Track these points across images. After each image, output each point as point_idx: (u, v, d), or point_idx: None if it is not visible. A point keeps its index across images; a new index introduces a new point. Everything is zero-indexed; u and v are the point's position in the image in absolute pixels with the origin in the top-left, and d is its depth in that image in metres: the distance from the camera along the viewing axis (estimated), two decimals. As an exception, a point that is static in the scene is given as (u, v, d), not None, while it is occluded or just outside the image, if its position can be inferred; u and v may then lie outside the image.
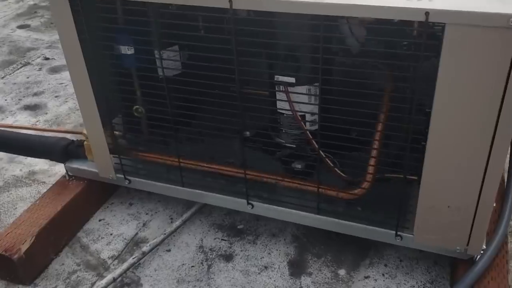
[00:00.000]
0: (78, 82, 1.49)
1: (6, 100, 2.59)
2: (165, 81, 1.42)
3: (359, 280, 1.46)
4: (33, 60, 3.03)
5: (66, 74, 2.81)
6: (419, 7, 0.99)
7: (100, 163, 1.64)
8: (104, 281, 1.45)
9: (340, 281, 1.46)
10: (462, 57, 1.01)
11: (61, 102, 2.54)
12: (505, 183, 1.53)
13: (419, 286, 1.43)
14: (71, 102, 2.52)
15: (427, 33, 1.02)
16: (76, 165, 1.71)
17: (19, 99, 2.58)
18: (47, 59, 3.03)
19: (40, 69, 2.90)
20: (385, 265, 1.50)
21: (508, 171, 1.53)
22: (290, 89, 1.43)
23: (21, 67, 2.94)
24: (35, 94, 2.63)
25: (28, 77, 2.81)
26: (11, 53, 3.14)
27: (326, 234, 1.62)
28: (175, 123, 1.47)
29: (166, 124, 1.48)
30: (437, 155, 1.16)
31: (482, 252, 1.32)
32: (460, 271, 1.32)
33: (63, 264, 1.59)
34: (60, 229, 1.62)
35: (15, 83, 2.75)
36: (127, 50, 1.48)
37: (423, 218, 1.27)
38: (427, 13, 0.98)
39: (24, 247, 1.48)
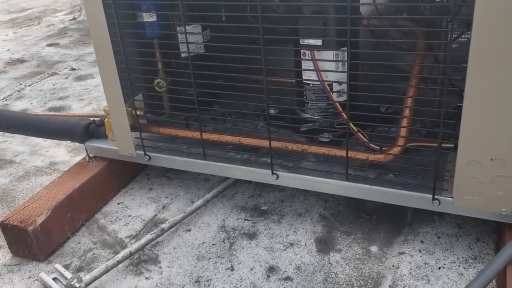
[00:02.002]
0: (101, 55, 1.47)
1: (31, 103, 2.60)
2: (189, 57, 1.38)
3: (393, 256, 1.34)
4: (60, 71, 3.07)
5: (91, 81, 2.83)
6: None
7: (120, 140, 1.59)
8: (120, 255, 1.37)
9: (373, 257, 1.34)
10: None
11: (85, 104, 2.54)
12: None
13: (460, 262, 1.30)
14: (95, 104, 2.52)
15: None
16: (96, 144, 1.67)
17: (44, 103, 2.60)
18: (73, 69, 3.08)
19: (66, 78, 2.94)
20: (422, 242, 1.38)
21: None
22: (316, 55, 1.37)
23: (48, 77, 2.99)
24: (60, 98, 2.64)
25: (54, 85, 2.85)
26: (39, 66, 3.20)
27: (355, 214, 1.52)
28: (197, 100, 1.42)
29: (189, 99, 1.43)
30: (476, 101, 1.08)
31: (531, 216, 1.20)
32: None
33: (79, 242, 1.52)
34: (78, 207, 1.56)
35: (41, 90, 2.78)
36: (149, 17, 1.46)
37: (463, 176, 1.17)
38: None
39: (39, 220, 1.42)
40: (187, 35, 1.39)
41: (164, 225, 1.48)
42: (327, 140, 1.45)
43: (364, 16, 1.37)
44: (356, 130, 1.36)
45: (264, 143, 1.40)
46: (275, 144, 1.40)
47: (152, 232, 1.45)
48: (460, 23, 1.19)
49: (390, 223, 1.46)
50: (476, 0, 0.99)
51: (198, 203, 1.58)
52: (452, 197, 1.22)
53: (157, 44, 1.54)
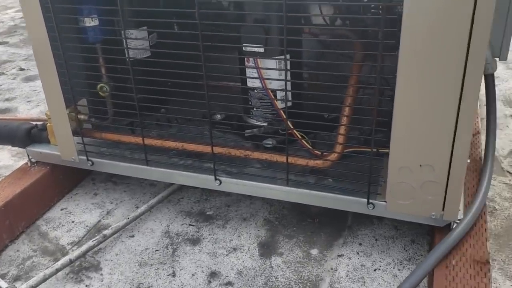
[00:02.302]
0: (41, 58, 1.44)
1: (-25, 105, 2.52)
2: (129, 62, 1.37)
3: (332, 259, 1.37)
4: (8, 71, 2.98)
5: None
6: None
7: (62, 145, 1.56)
8: (60, 262, 1.35)
9: (313, 260, 1.37)
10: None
11: (33, 106, 2.48)
12: (483, 155, 1.49)
13: (395, 263, 1.34)
14: (43, 106, 2.46)
15: None
16: (38, 149, 1.63)
17: (-11, 104, 2.52)
18: (22, 69, 2.99)
19: (14, 78, 2.85)
20: (360, 244, 1.42)
21: (486, 143, 1.49)
22: (259, 62, 1.39)
23: (-6, 77, 2.89)
24: (7, 100, 2.56)
25: (0, 85, 2.76)
26: (-14, 66, 3.09)
27: (299, 217, 1.55)
28: (140, 106, 1.41)
29: (130, 104, 1.42)
30: (405, 109, 1.12)
31: (459, 220, 1.25)
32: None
33: (18, 250, 1.48)
34: (17, 214, 1.52)
35: (-14, 91, 2.69)
36: (91, 21, 1.44)
37: (395, 181, 1.21)
38: None
39: (-26, 228, 1.38)
40: (130, 39, 1.38)
41: (106, 232, 1.46)
42: (270, 145, 1.47)
43: (301, 26, 1.40)
44: (299, 136, 1.38)
45: (207, 149, 1.41)
46: (218, 150, 1.41)
47: (94, 239, 1.43)
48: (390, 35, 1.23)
49: (332, 226, 1.50)
50: (403, 18, 1.02)
51: (142, 208, 1.57)
52: (385, 201, 1.26)
53: (100, 48, 1.52)
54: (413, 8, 1.01)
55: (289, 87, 1.42)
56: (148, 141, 1.47)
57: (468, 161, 1.17)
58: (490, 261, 1.27)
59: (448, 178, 1.16)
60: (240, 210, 1.60)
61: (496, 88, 2.30)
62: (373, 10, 1.32)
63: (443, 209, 1.21)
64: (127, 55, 1.39)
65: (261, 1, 1.31)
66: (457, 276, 1.12)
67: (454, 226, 1.24)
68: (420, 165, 1.17)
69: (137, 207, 1.63)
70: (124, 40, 1.37)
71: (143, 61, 1.57)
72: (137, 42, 1.56)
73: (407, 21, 1.03)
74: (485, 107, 1.50)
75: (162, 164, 1.49)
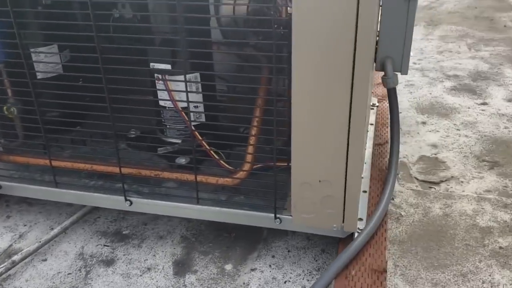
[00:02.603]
0: None
1: None
2: (30, 83, 1.34)
3: (245, 273, 1.40)
4: None
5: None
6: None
7: (-34, 169, 1.51)
8: (-38, 294, 1.30)
9: (226, 276, 1.39)
10: (310, 13, 1.02)
11: None
12: (387, 168, 1.56)
13: (305, 274, 1.39)
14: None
15: None
16: None
17: None
18: None
19: None
20: (273, 256, 1.46)
21: (390, 153, 1.57)
22: (168, 78, 1.40)
23: None
24: None
25: None
26: None
27: (216, 232, 1.56)
28: (47, 127, 1.38)
29: (36, 126, 1.39)
30: (301, 127, 1.16)
31: (360, 230, 1.31)
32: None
33: None
34: None
35: None
36: (-9, 42, 1.40)
37: (298, 196, 1.25)
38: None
39: None
40: (38, 56, 1.35)
41: (16, 257, 1.42)
42: (183, 163, 1.48)
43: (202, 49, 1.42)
44: (213, 154, 1.40)
45: (117, 169, 1.40)
46: (127, 170, 1.40)
47: (2, 265, 1.39)
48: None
49: (247, 240, 1.53)
50: (292, 33, 1.06)
51: (55, 230, 1.54)
52: (291, 216, 1.30)
53: (3, 70, 1.47)
54: (300, 36, 1.05)
55: (201, 104, 1.43)
56: (56, 163, 1.44)
57: (363, 175, 1.23)
58: (394, 267, 1.35)
59: (345, 192, 1.21)
60: (157, 227, 1.59)
61: (411, 96, 2.43)
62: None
63: (343, 221, 1.26)
64: (30, 76, 1.36)
65: (165, 25, 1.31)
66: (355, 286, 1.17)
67: (355, 236, 1.29)
68: (319, 181, 1.21)
69: (52, 229, 1.59)
70: (38, 57, 1.34)
71: (52, 79, 1.54)
72: (44, 61, 1.53)
73: (296, 41, 1.06)
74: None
75: (73, 186, 1.47)
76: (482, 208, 1.64)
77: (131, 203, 1.41)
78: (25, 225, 1.63)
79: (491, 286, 1.33)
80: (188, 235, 1.56)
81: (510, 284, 1.33)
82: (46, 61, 1.52)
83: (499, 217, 1.59)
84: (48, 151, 1.43)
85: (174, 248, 1.51)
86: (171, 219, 1.63)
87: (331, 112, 1.12)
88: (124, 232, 1.58)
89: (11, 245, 1.54)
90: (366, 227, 1.31)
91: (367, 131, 1.84)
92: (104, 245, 1.53)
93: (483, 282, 1.34)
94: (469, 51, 2.98)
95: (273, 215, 1.32)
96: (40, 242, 1.48)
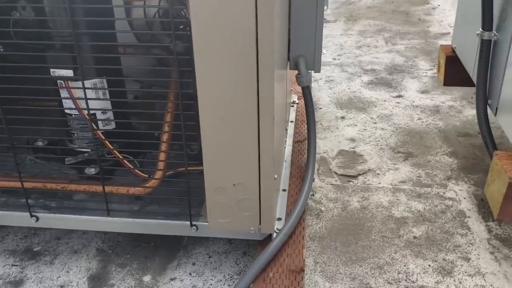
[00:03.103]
0: None
1: None
2: None
3: (164, 284, 1.36)
4: None
5: None
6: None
7: None
8: None
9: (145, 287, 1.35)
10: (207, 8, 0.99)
11: None
12: (305, 167, 1.57)
13: (226, 279, 1.37)
14: None
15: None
16: None
17: None
18: None
19: None
20: (193, 264, 1.42)
21: (307, 151, 1.58)
22: (70, 84, 1.32)
23: None
24: None
25: None
26: None
27: (134, 243, 1.51)
28: None
29: None
30: (210, 130, 1.13)
31: (278, 230, 1.30)
32: (262, 255, 1.29)
33: None
34: None
35: None
36: None
37: (213, 202, 1.22)
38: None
39: None
40: None
41: None
42: (93, 174, 1.41)
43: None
44: (125, 161, 1.34)
45: (19, 184, 1.30)
46: (33, 184, 1.31)
47: None
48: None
49: (167, 248, 1.48)
50: (193, 37, 1.03)
51: (-44, 254, 1.42)
52: (207, 222, 1.27)
53: None
54: (200, 38, 1.02)
55: (109, 111, 1.37)
56: (-50, 181, 1.32)
57: (276, 176, 1.22)
58: (314, 264, 1.35)
59: (260, 194, 1.20)
60: (72, 241, 1.51)
61: (331, 91, 2.47)
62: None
63: (260, 223, 1.25)
64: None
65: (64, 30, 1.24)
66: (272, 289, 1.17)
67: (273, 237, 1.29)
68: (233, 184, 1.19)
69: (-47, 252, 1.47)
70: None
71: None
72: None
73: (197, 44, 1.03)
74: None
75: (-29, 204, 1.35)
76: (397, 199, 1.69)
77: (38, 219, 1.32)
78: None
79: (406, 276, 1.37)
80: (105, 247, 1.49)
81: (424, 273, 1.38)
82: None
83: (413, 207, 1.65)
84: None
85: (90, 262, 1.43)
86: (86, 231, 1.55)
87: (239, 114, 1.10)
88: (35, 249, 1.49)
89: None
90: (284, 227, 1.31)
91: (287, 128, 1.84)
92: (12, 265, 1.43)
93: (399, 273, 1.38)
94: (386, 45, 3.08)
95: (188, 222, 1.28)
96: None
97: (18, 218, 1.34)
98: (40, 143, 1.54)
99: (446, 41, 3.04)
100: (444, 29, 3.37)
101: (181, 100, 1.14)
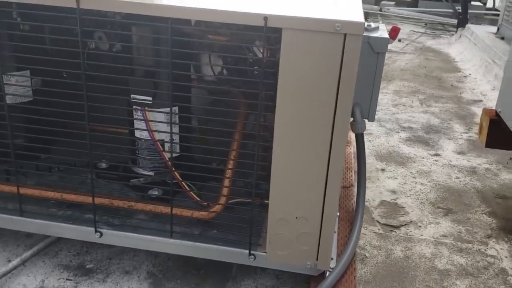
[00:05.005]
0: None
1: None
2: (6, 107, 1.32)
3: (215, 311, 1.38)
4: None
5: None
6: (258, 12, 1.06)
7: None
8: None
9: (195, 313, 1.37)
10: (298, 61, 1.08)
11: None
12: (354, 210, 1.62)
13: (274, 312, 1.39)
14: None
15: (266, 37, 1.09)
16: None
17: None
18: None
19: None
20: (242, 295, 1.45)
21: (357, 195, 1.62)
22: (147, 112, 1.41)
23: None
24: None
25: None
26: None
27: (184, 269, 1.54)
28: (19, 154, 1.35)
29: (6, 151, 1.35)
30: (282, 164, 1.20)
31: (331, 269, 1.34)
32: (313, 291, 1.32)
33: None
34: None
35: None
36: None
37: (274, 233, 1.27)
38: (265, 18, 1.06)
39: None
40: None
41: (-31, 290, 1.34)
42: (155, 196, 1.47)
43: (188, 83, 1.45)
44: (185, 186, 1.40)
45: (88, 199, 1.37)
46: (100, 200, 1.38)
47: (-46, 299, 1.30)
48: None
49: (216, 277, 1.51)
50: (278, 84, 1.12)
51: (14, 262, 1.46)
52: (265, 252, 1.31)
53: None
54: (286, 76, 1.11)
55: (177, 138, 1.45)
56: (23, 190, 1.39)
57: (338, 213, 1.27)
58: (360, 306, 1.37)
59: (320, 230, 1.25)
60: (123, 262, 1.55)
61: (370, 144, 2.54)
62: (255, 72, 1.41)
63: (317, 259, 1.29)
64: (4, 100, 1.33)
65: (150, 57, 1.34)
66: (329, 323, 1.19)
67: (327, 275, 1.32)
68: (296, 217, 1.24)
69: (9, 261, 1.51)
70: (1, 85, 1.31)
71: (23, 106, 1.51)
72: (17, 86, 1.50)
73: (281, 86, 1.12)
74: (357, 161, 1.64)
75: (39, 215, 1.41)
76: (440, 252, 1.71)
77: (101, 234, 1.38)
78: (-21, 256, 1.54)
79: (453, 327, 1.38)
80: (155, 271, 1.53)
81: (470, 325, 1.39)
82: (24, 85, 1.49)
83: (456, 261, 1.67)
84: (16, 177, 1.38)
85: (141, 284, 1.47)
86: (137, 254, 1.59)
87: (312, 151, 1.17)
88: (87, 266, 1.53)
89: (-37, 277, 1.45)
90: (337, 265, 1.34)
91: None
92: (67, 279, 1.47)
93: (445, 323, 1.39)
94: (421, 106, 3.18)
95: (247, 251, 1.32)
96: (-3, 274, 1.41)
97: (82, 233, 1.39)
98: (103, 165, 1.61)
99: (479, 108, 3.13)
100: (476, 97, 3.47)
101: (258, 134, 1.21)
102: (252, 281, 1.51)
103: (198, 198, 1.42)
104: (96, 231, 1.38)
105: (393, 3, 6.90)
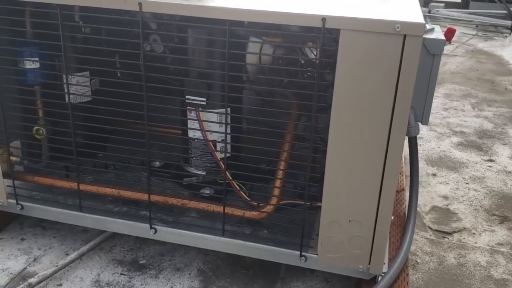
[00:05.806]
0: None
1: None
2: (69, 106, 1.37)
3: (264, 311, 1.39)
4: None
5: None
6: (316, 13, 1.06)
7: (-10, 187, 1.50)
8: (-23, 314, 1.27)
9: (245, 312, 1.38)
10: (355, 62, 1.08)
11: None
12: (407, 211, 1.59)
13: (324, 315, 1.38)
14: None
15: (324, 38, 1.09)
16: (-38, 190, 1.55)
17: None
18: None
19: None
20: (292, 296, 1.45)
21: (409, 200, 1.59)
22: (200, 113, 1.43)
23: None
24: None
25: None
26: None
27: (233, 268, 1.56)
28: (78, 151, 1.40)
29: (68, 149, 1.41)
30: (336, 167, 1.19)
31: (384, 273, 1.32)
32: (365, 296, 1.31)
33: None
34: None
35: None
36: (31, 64, 1.43)
37: (326, 235, 1.27)
38: (324, 19, 1.06)
39: None
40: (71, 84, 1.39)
41: (32, 280, 1.40)
42: (208, 194, 1.49)
43: (242, 84, 1.47)
44: (236, 186, 1.42)
45: (144, 196, 1.41)
46: (155, 198, 1.41)
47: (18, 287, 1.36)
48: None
49: (265, 278, 1.52)
50: (335, 86, 1.11)
51: (72, 256, 1.52)
52: (317, 254, 1.31)
53: (39, 91, 1.50)
54: (343, 78, 1.10)
55: (228, 139, 1.46)
56: (83, 187, 1.45)
57: (392, 217, 1.25)
58: (413, 313, 1.35)
59: (374, 233, 1.23)
60: (174, 259, 1.59)
61: (420, 148, 2.48)
62: (309, 74, 1.41)
63: (369, 263, 1.27)
64: (67, 99, 1.39)
65: (203, 59, 1.37)
66: (381, 328, 1.17)
67: (379, 279, 1.30)
68: (349, 220, 1.23)
69: (67, 254, 1.58)
70: (65, 85, 1.37)
71: (82, 106, 1.57)
72: (77, 87, 1.56)
73: (338, 88, 1.12)
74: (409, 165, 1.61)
75: (97, 211, 1.47)
76: (496, 261, 1.66)
77: (156, 231, 1.41)
78: (39, 249, 1.61)
79: (510, 339, 1.33)
80: (205, 268, 1.55)
81: (529, 338, 1.33)
82: (84, 85, 1.55)
83: (513, 271, 1.61)
84: (77, 174, 1.44)
85: (192, 281, 1.50)
86: (187, 251, 1.62)
87: (367, 154, 1.16)
88: (141, 262, 1.57)
89: (25, 268, 1.52)
90: (390, 269, 1.32)
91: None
92: (121, 274, 1.51)
93: (502, 334, 1.34)
94: (473, 110, 3.08)
95: (298, 252, 1.32)
96: (56, 266, 1.47)
97: (138, 229, 1.43)
98: (157, 163, 1.66)
99: (536, 112, 3.00)
100: (533, 101, 3.33)
101: (312, 136, 1.21)
102: (301, 283, 1.50)
103: (248, 198, 1.43)
104: (151, 228, 1.41)
105: (442, 4, 6.71)
